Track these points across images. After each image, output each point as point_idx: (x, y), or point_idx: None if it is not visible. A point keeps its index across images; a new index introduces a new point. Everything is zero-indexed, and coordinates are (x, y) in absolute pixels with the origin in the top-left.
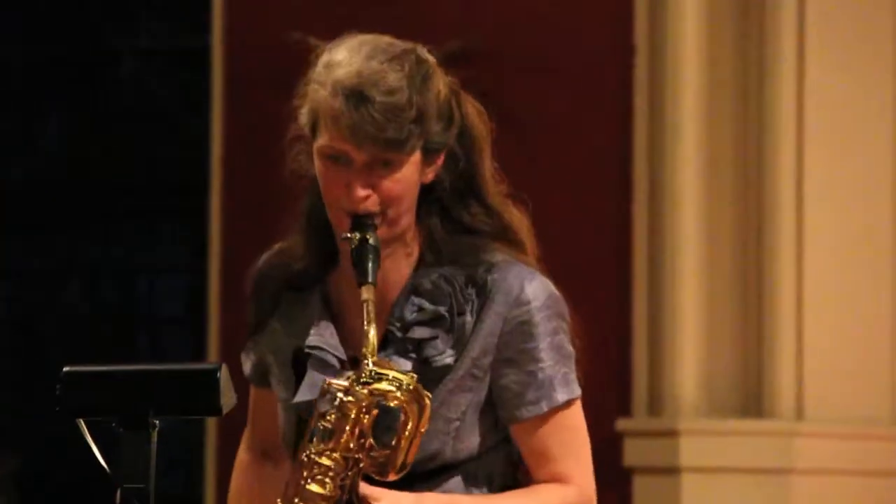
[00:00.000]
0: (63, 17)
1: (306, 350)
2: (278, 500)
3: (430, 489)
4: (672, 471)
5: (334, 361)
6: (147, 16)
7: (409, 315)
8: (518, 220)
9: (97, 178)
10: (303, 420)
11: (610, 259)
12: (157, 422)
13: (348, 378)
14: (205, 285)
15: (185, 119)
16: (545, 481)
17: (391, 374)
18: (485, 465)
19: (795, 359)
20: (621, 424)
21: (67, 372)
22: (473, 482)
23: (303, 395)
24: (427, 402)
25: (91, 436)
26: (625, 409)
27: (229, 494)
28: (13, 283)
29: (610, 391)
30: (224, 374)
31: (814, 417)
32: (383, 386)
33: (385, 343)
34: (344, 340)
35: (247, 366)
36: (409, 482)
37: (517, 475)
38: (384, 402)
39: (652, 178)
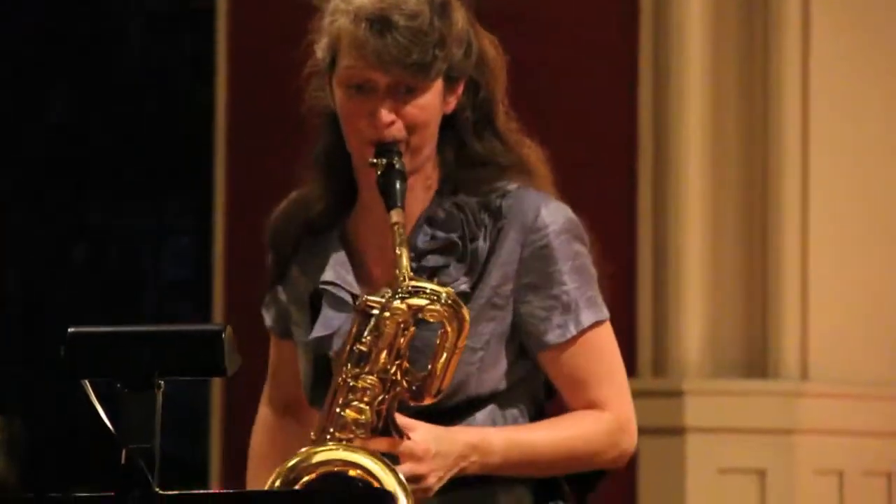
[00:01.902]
0: None
1: (321, 286)
2: (311, 433)
3: (457, 425)
4: (677, 431)
5: (349, 298)
6: None
7: (422, 244)
8: (534, 153)
9: (103, 144)
10: (320, 359)
11: (614, 220)
12: (162, 383)
13: (385, 294)
14: (209, 250)
15: (190, 84)
16: (581, 408)
17: (429, 287)
18: (510, 402)
19: (800, 319)
20: None
21: (72, 333)
22: (501, 421)
23: (318, 331)
24: (466, 315)
25: (96, 397)
26: (629, 370)
27: (250, 451)
28: (19, 249)
29: None
30: (229, 336)
31: (818, 378)
32: (421, 300)
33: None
34: (360, 278)
35: (268, 318)
36: (434, 418)
37: (542, 413)
38: (422, 317)
39: (657, 137)
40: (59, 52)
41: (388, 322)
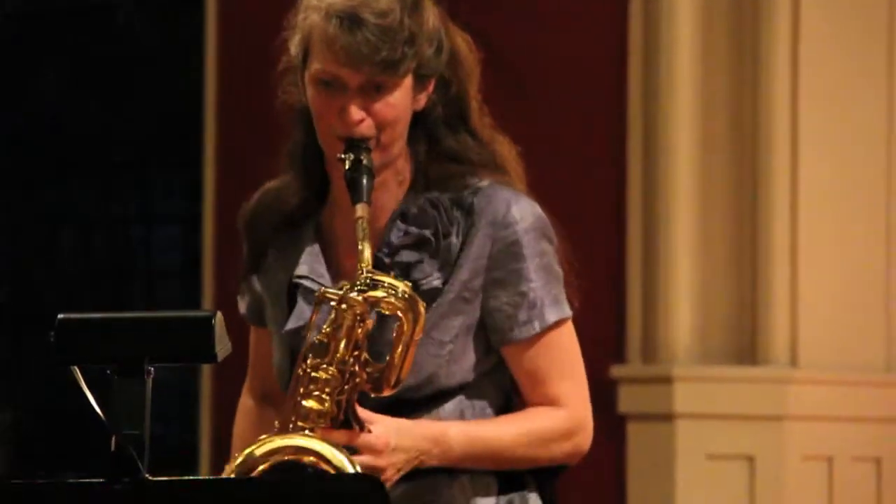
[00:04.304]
0: None
1: (295, 280)
2: (275, 421)
3: (425, 415)
4: (666, 417)
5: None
6: None
7: (396, 240)
8: (507, 149)
9: (91, 128)
10: (295, 352)
11: (604, 206)
12: (152, 369)
13: (342, 286)
14: (199, 236)
15: (179, 67)
16: (538, 404)
17: (386, 281)
18: (478, 393)
19: (790, 305)
20: (615, 371)
21: (62, 319)
22: (468, 411)
23: (292, 323)
24: (422, 309)
25: (86, 383)
26: (619, 356)
27: (233, 438)
28: (7, 234)
29: (604, 338)
30: (219, 321)
31: (808, 364)
32: (378, 293)
33: (375, 268)
34: (333, 271)
35: (242, 305)
36: (404, 409)
37: (510, 404)
38: (379, 310)
39: (646, 121)
40: (47, 33)
41: (345, 314)
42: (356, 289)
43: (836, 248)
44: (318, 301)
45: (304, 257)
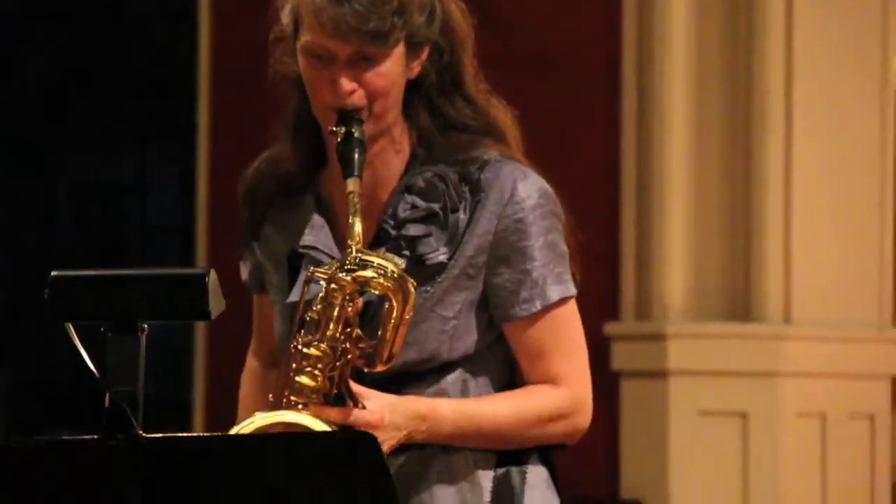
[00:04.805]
0: None
1: (300, 250)
2: (270, 395)
3: (426, 389)
4: (660, 374)
5: (328, 261)
6: None
7: (403, 212)
8: (503, 113)
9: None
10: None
11: (599, 162)
12: (146, 326)
13: (332, 266)
14: (193, 201)
15: (173, 33)
16: (538, 382)
17: (376, 261)
18: (481, 365)
19: (783, 263)
20: (609, 328)
21: (55, 276)
22: (472, 384)
23: (295, 295)
24: (412, 289)
25: (80, 340)
26: (613, 314)
27: (239, 399)
28: (2, 201)
29: (598, 296)
30: (212, 279)
31: (801, 321)
32: (367, 273)
33: (378, 241)
34: (338, 241)
35: (244, 272)
36: (406, 382)
37: (513, 377)
38: (368, 290)
39: (641, 84)
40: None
41: (334, 293)
42: (345, 268)
43: (829, 206)
44: (308, 280)
45: (309, 228)
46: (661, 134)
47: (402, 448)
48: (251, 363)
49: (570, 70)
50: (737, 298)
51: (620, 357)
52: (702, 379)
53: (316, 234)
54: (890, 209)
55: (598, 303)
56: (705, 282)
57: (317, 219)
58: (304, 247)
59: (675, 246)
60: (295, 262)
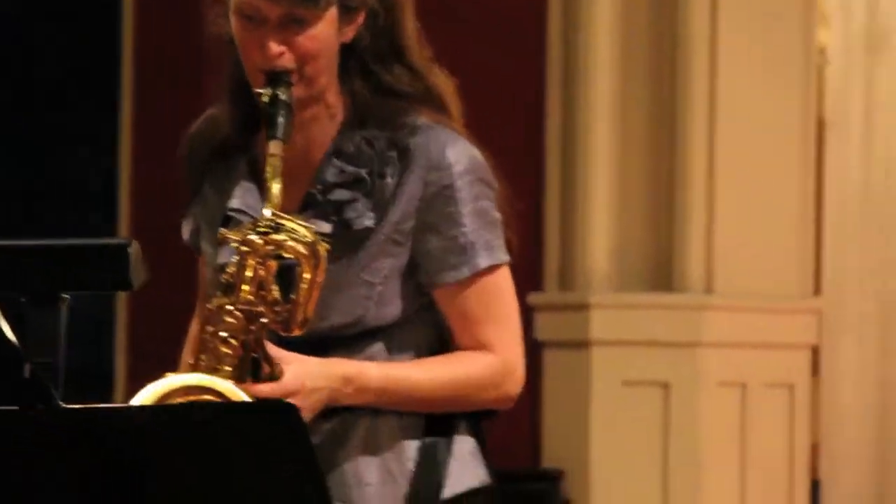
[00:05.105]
0: None
1: (228, 213)
2: (189, 358)
3: (351, 354)
4: (582, 344)
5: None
6: None
7: (331, 177)
8: (443, 82)
9: (4, 50)
10: None
11: (521, 131)
12: (67, 296)
13: (244, 229)
14: (116, 162)
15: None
16: (469, 348)
17: (289, 224)
18: (409, 332)
19: (705, 234)
20: (532, 298)
21: None
22: (398, 349)
23: (224, 256)
24: (323, 253)
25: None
26: (536, 284)
27: (181, 363)
28: None
29: (521, 265)
30: (135, 250)
31: (722, 292)
32: (280, 236)
33: (306, 205)
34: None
35: (185, 231)
36: (329, 347)
37: (444, 344)
38: (280, 252)
39: (565, 48)
40: None
41: (246, 256)
42: (258, 231)
43: (751, 178)
44: (220, 242)
45: (237, 190)
46: (585, 103)
47: (329, 412)
48: (194, 327)
49: (495, 32)
50: (660, 269)
51: (544, 327)
52: (625, 349)
53: (243, 197)
54: (811, 180)
55: (522, 273)
56: (628, 252)
57: (246, 181)
58: (232, 209)
59: (599, 216)
60: (225, 224)
